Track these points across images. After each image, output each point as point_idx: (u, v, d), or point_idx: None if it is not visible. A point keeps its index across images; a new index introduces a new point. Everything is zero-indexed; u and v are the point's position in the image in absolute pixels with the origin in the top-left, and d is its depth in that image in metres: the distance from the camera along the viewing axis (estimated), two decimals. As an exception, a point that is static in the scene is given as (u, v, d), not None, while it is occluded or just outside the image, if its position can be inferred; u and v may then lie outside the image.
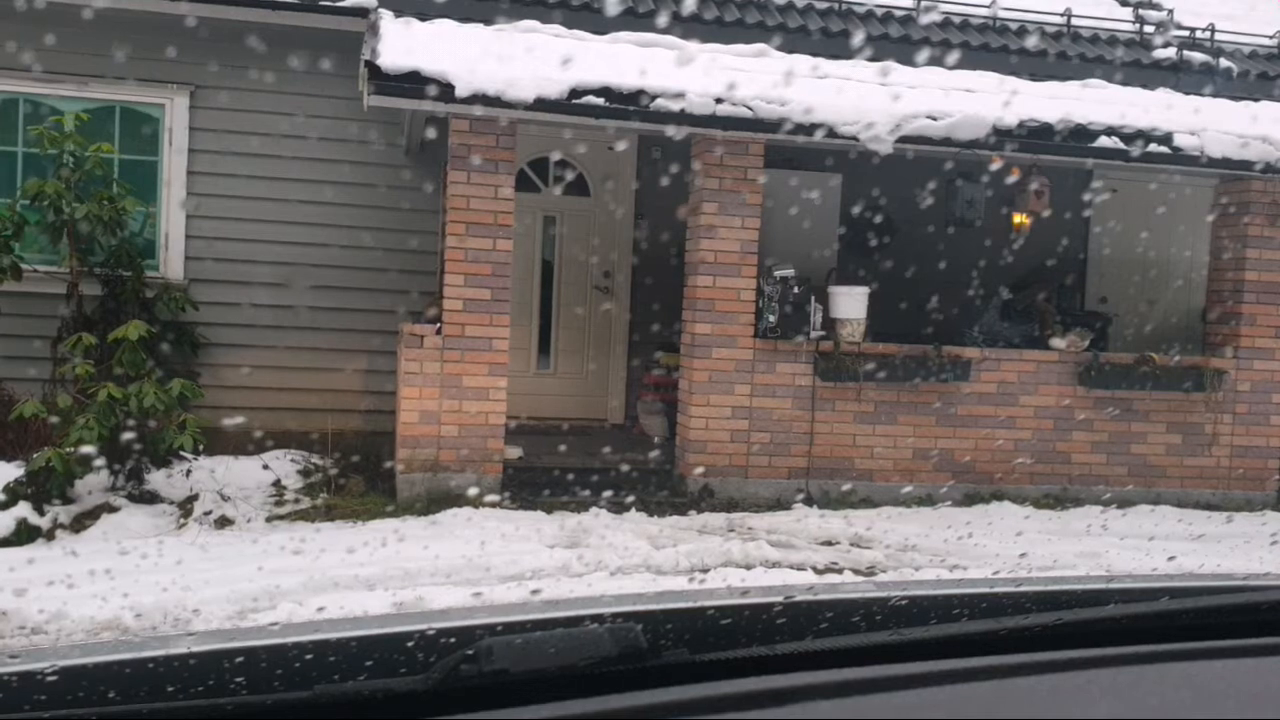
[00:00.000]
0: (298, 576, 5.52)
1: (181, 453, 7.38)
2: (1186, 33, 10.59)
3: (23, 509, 6.73)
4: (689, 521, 7.31)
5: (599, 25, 8.58)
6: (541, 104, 7.37)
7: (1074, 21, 10.41)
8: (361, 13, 8.47)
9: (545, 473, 8.11)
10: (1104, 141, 8.19)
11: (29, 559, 6.05)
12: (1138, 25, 10.60)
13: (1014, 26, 10.24)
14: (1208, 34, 10.63)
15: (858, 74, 8.08)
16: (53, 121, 8.28)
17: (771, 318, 8.21)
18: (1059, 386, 8.69)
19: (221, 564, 5.75)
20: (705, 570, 6.00)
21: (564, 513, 7.26)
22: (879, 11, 10.10)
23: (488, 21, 8.28)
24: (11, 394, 8.27)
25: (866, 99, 7.90)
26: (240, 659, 1.07)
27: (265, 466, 8.08)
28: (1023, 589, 1.39)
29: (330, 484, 7.86)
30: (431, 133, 8.08)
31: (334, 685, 1.05)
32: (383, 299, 9.07)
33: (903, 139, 7.74)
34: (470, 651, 1.06)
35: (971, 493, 8.45)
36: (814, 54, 8.67)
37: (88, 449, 6.75)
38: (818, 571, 6.26)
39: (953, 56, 8.98)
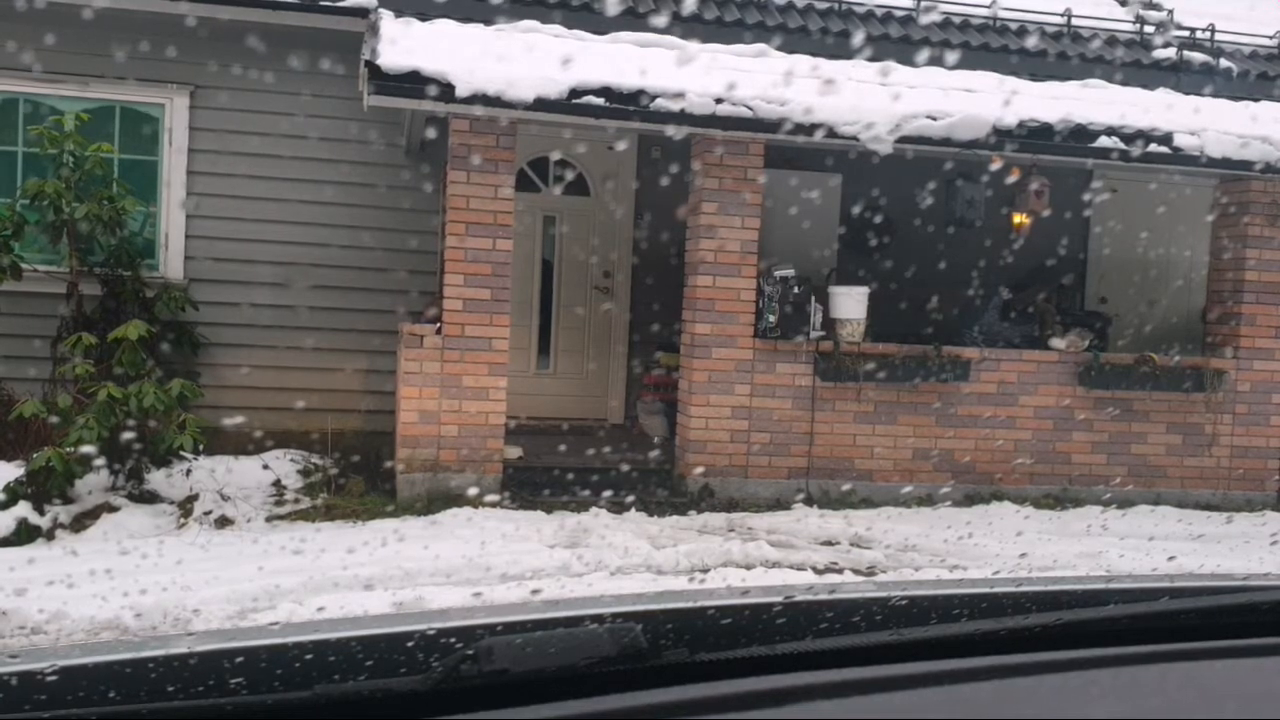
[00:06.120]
0: (298, 576, 5.52)
1: (181, 452, 7.38)
2: (1186, 33, 10.59)
3: (23, 509, 6.74)
4: (689, 521, 7.31)
5: (599, 25, 8.58)
6: (541, 104, 7.37)
7: (1074, 21, 10.40)
8: (361, 13, 8.47)
9: (545, 472, 8.11)
10: (1104, 141, 8.19)
11: (29, 559, 6.05)
12: (1138, 25, 10.60)
13: (1014, 26, 10.24)
14: (1208, 34, 10.62)
15: (858, 74, 8.07)
16: (53, 121, 8.27)
17: (771, 318, 8.21)
18: (1059, 386, 8.69)
19: (221, 564, 5.75)
20: (705, 570, 6.00)
21: (564, 513, 7.26)
22: (879, 11, 10.10)
23: (488, 21, 8.28)
24: (11, 394, 8.26)
25: (866, 99, 7.90)
26: (240, 659, 1.07)
27: (265, 466, 8.08)
28: (1023, 589, 1.39)
29: (330, 484, 7.86)
30: (431, 133, 8.08)
31: (334, 685, 1.05)
32: (383, 299, 9.06)
33: (903, 139, 7.73)
34: (470, 651, 1.06)
35: (971, 493, 8.45)
36: (814, 54, 8.67)
37: (88, 449, 6.75)
38: (818, 571, 6.26)
39: (953, 56, 8.98)
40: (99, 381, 7.11)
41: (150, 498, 7.32)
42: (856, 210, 9.64)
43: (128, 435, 6.93)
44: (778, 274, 8.24)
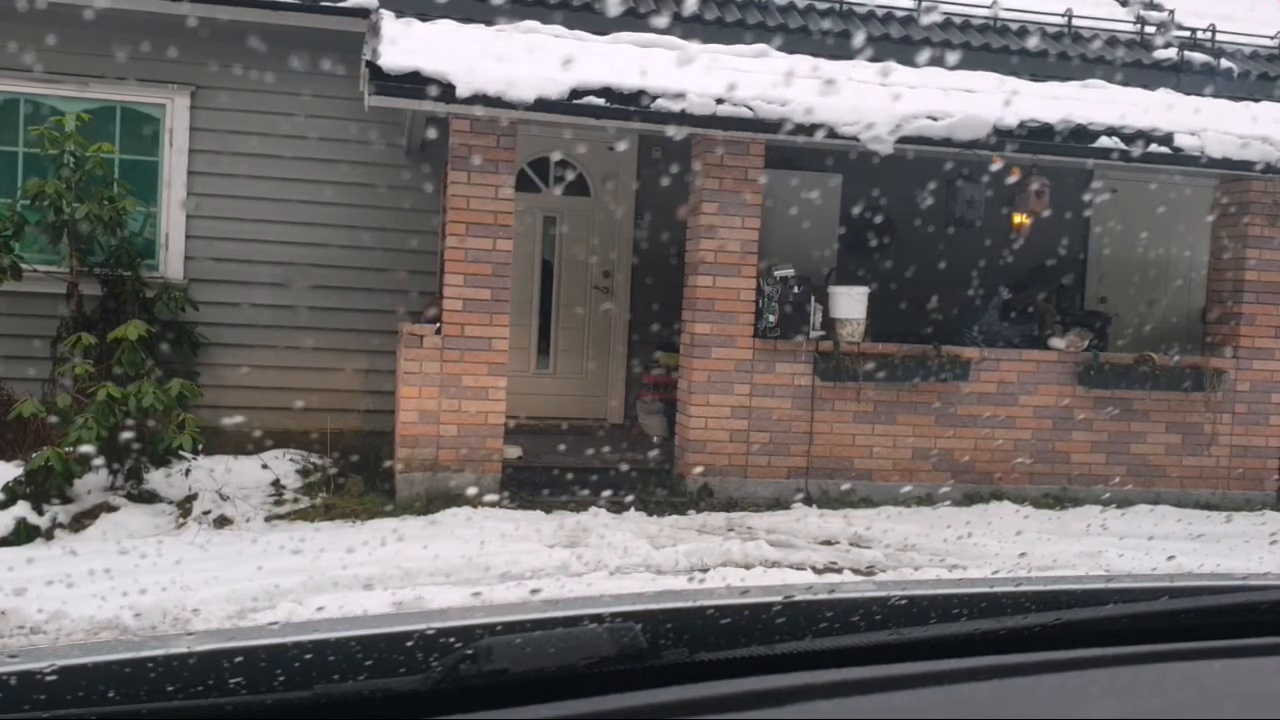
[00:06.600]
0: (297, 576, 5.52)
1: (181, 452, 7.38)
2: (1187, 33, 10.59)
3: (22, 508, 6.73)
4: (688, 521, 7.31)
5: (599, 26, 8.58)
6: (542, 104, 7.37)
7: (1074, 22, 10.40)
8: (362, 13, 8.47)
9: (545, 472, 8.11)
10: (1104, 142, 8.19)
11: (28, 558, 6.05)
12: (1138, 26, 10.60)
13: (1014, 27, 10.24)
14: (1208, 34, 10.62)
15: (858, 74, 8.07)
16: (53, 122, 8.27)
17: (771, 317, 8.21)
18: (1058, 386, 8.69)
19: (221, 563, 5.75)
20: (705, 570, 6.00)
21: (563, 512, 7.26)
22: (880, 12, 10.10)
23: (488, 22, 8.28)
24: (11, 393, 8.26)
25: (867, 99, 7.90)
26: (240, 659, 1.07)
27: (264, 466, 8.08)
28: (1023, 589, 1.39)
29: (329, 483, 7.85)
30: (432, 133, 8.08)
31: (334, 685, 1.05)
32: (383, 299, 9.06)
33: (903, 139, 7.73)
34: (470, 651, 1.05)
35: (971, 492, 8.45)
36: (815, 54, 8.67)
37: (87, 448, 6.74)
38: (817, 571, 6.26)
39: (953, 57, 8.98)
40: (98, 381, 7.11)
41: (149, 497, 7.32)
42: (856, 210, 9.63)
43: (127, 435, 6.93)
44: (778, 274, 8.24)
